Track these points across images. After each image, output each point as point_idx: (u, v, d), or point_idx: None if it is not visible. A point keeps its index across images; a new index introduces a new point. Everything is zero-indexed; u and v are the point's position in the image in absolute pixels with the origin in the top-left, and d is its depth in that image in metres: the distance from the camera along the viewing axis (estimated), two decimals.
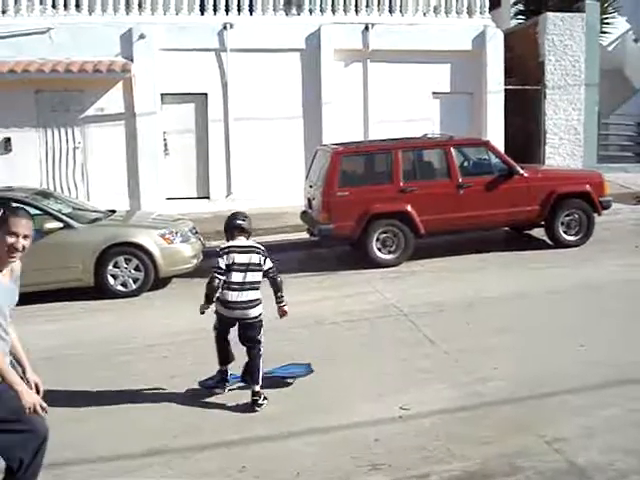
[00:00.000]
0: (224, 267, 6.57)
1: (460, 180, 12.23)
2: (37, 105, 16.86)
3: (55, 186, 16.86)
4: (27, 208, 11.03)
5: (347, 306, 9.77)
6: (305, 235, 13.45)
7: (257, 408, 6.57)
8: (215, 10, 17.79)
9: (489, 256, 12.26)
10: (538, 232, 13.23)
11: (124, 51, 17.08)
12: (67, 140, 17.12)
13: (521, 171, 12.45)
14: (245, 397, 6.72)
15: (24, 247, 4.24)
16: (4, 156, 16.90)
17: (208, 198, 17.84)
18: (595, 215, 12.67)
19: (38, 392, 4.58)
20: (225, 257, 6.59)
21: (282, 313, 6.95)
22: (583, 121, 19.69)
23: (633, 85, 22.70)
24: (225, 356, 6.92)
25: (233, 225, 6.80)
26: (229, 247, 6.68)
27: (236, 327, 6.84)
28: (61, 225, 10.88)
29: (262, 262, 6.71)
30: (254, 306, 6.71)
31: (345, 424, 6.00)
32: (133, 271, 11.15)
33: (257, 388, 6.67)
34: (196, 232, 12.13)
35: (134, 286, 11.18)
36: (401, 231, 12.05)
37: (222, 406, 6.65)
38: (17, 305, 9.77)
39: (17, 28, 16.68)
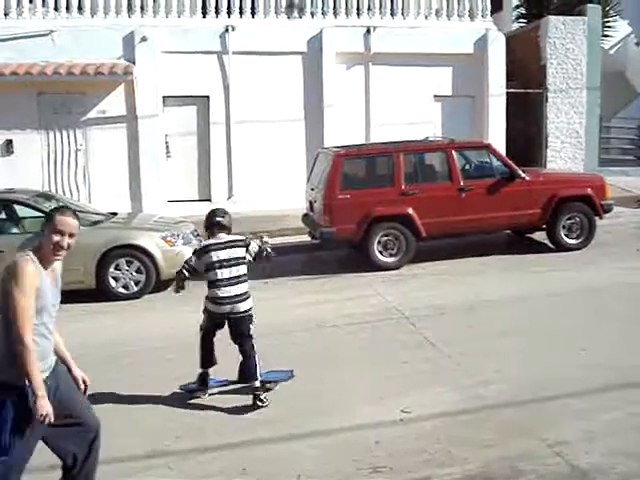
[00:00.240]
0: (194, 264, 6.71)
1: (461, 183, 12.22)
2: (39, 107, 16.88)
3: (57, 188, 16.87)
4: (29, 210, 11.19)
5: (348, 309, 9.78)
6: (306, 238, 13.45)
7: (260, 404, 6.59)
8: (217, 13, 17.81)
9: (490, 259, 12.26)
10: (540, 235, 13.23)
11: (126, 53, 17.10)
12: (69, 142, 17.13)
13: (523, 174, 12.44)
14: (246, 399, 6.72)
15: (69, 245, 4.29)
16: (6, 158, 16.91)
17: (210, 201, 17.83)
18: (596, 218, 12.67)
19: (86, 387, 4.71)
20: (203, 256, 6.68)
21: (267, 253, 6.95)
22: (585, 124, 19.69)
23: (635, 88, 22.70)
24: (208, 359, 6.95)
25: (212, 222, 6.84)
26: (207, 246, 6.76)
27: (223, 329, 6.91)
28: None
29: (244, 254, 6.77)
30: (243, 300, 6.75)
31: (346, 427, 6.00)
32: (135, 273, 11.17)
33: (257, 384, 6.70)
34: (198, 234, 12.12)
35: (135, 288, 11.19)
36: (402, 234, 12.06)
37: (224, 408, 6.65)
38: None
39: (19, 30, 16.70)
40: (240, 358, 6.89)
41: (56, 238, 4.22)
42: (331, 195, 11.93)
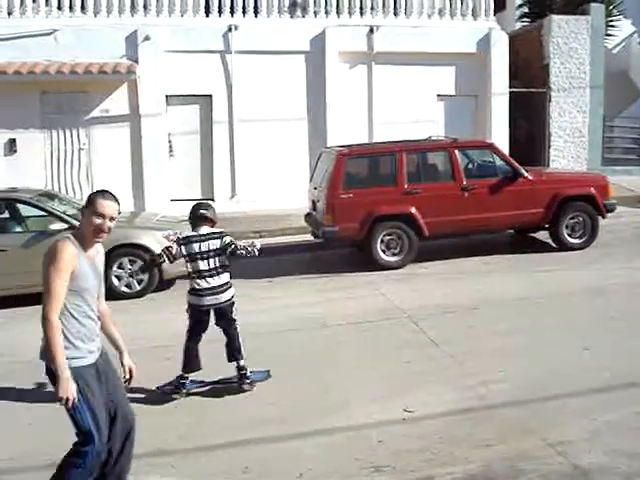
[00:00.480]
0: (175, 252, 6.83)
1: (464, 182, 12.22)
2: (42, 106, 16.90)
3: (60, 187, 16.90)
4: (32, 209, 11.20)
5: (351, 308, 9.78)
6: (309, 237, 13.45)
7: (247, 380, 6.90)
8: (220, 12, 17.82)
9: (493, 259, 12.26)
10: (543, 235, 13.22)
11: (129, 53, 17.12)
12: (72, 141, 17.16)
13: (525, 174, 12.43)
14: (249, 400, 6.73)
15: (109, 229, 4.37)
16: (9, 157, 16.94)
17: (212, 200, 17.82)
18: (599, 218, 12.65)
19: (132, 377, 4.78)
20: (185, 247, 6.84)
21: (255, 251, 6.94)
22: (588, 124, 19.70)
23: (638, 88, 22.70)
24: (192, 364, 7.00)
25: (197, 215, 6.99)
26: (187, 237, 6.91)
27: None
28: (66, 226, 10.86)
29: (221, 245, 6.89)
30: (225, 290, 6.95)
31: (348, 426, 6.01)
32: (138, 272, 11.17)
33: (242, 362, 6.97)
34: None
35: (138, 287, 11.20)
36: (405, 233, 12.05)
37: (226, 407, 6.66)
38: (20, 305, 9.84)
39: (23, 29, 16.73)
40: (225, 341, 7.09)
41: (98, 221, 4.29)
42: (334, 194, 11.93)
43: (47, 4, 17.26)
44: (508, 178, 12.36)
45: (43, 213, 11.13)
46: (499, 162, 12.61)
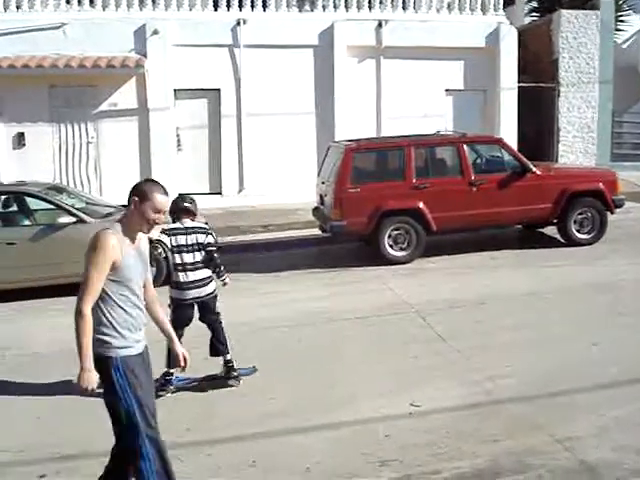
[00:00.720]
0: (170, 245, 6.91)
1: (473, 177, 12.19)
2: (51, 100, 16.93)
3: (68, 181, 16.94)
4: (40, 202, 11.23)
5: (358, 303, 9.77)
6: (317, 231, 13.44)
7: (234, 373, 6.95)
8: (228, 6, 17.81)
9: (501, 254, 12.23)
10: (551, 230, 13.18)
11: (137, 46, 17.13)
12: (80, 135, 17.19)
13: (534, 169, 12.40)
14: (257, 394, 6.74)
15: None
16: (17, 151, 16.98)
17: (220, 194, 17.88)
18: (608, 213, 12.61)
19: (186, 363, 4.79)
20: (171, 238, 6.92)
21: (224, 284, 7.19)
22: (597, 119, 19.62)
23: None
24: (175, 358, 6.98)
25: (179, 208, 7.04)
26: (173, 229, 6.96)
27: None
28: (74, 220, 10.90)
29: (205, 241, 7.01)
30: (207, 283, 7.02)
31: (355, 420, 6.01)
32: None
33: (229, 357, 7.04)
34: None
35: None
36: (413, 228, 12.03)
37: (233, 401, 6.67)
38: (29, 298, 9.88)
39: (31, 23, 16.74)
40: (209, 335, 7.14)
41: (154, 216, 4.31)
42: (342, 188, 11.91)
43: None
44: (516, 173, 12.33)
45: (51, 206, 11.16)
46: (507, 157, 12.58)
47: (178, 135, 17.75)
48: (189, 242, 6.92)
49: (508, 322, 8.49)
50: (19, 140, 16.94)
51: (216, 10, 17.85)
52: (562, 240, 12.68)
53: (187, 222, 7.00)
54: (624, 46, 22.84)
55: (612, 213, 12.68)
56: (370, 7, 18.39)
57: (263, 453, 5.53)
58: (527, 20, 23.05)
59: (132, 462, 4.36)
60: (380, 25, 17.96)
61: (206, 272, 7.01)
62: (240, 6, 17.83)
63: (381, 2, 18.38)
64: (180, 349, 4.79)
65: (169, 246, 6.92)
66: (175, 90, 17.45)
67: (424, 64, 18.11)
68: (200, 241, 6.96)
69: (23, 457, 5.76)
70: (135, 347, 4.35)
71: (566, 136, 19.56)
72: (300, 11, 18.19)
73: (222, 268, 7.15)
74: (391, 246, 12.05)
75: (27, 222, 11.54)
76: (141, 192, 4.35)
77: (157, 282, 11.35)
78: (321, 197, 12.93)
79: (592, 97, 19.57)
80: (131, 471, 4.48)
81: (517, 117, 18.53)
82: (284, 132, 17.70)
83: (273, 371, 7.30)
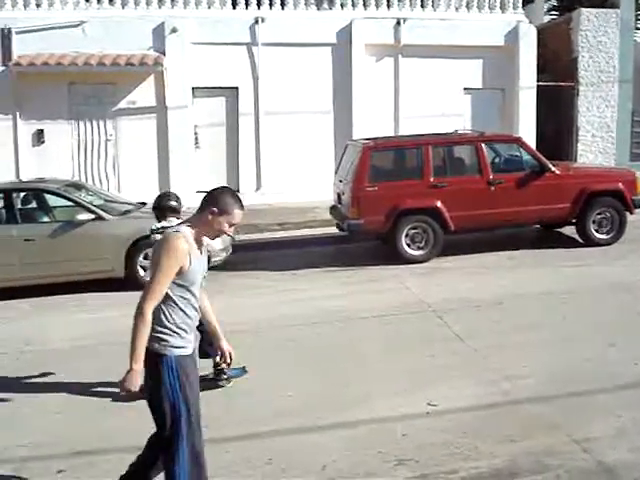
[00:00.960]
0: None
1: (491, 176, 12.15)
2: (70, 97, 17.03)
3: (87, 178, 17.02)
4: (59, 199, 11.31)
5: (375, 301, 9.76)
6: (334, 230, 13.45)
7: (224, 376, 6.89)
8: (247, 4, 17.85)
9: (519, 253, 12.18)
10: (569, 230, 13.11)
11: (156, 44, 17.20)
12: (99, 132, 17.28)
13: (553, 168, 12.34)
14: (272, 391, 6.75)
15: None
16: (37, 148, 17.09)
17: (238, 191, 17.81)
18: (627, 214, 12.52)
19: (231, 360, 4.85)
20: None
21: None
22: (616, 118, 19.50)
23: None
24: None
25: (165, 206, 6.99)
26: (163, 227, 6.88)
27: None
28: (93, 217, 10.97)
29: None
30: None
31: (372, 418, 6.00)
32: None
33: (218, 358, 6.84)
34: None
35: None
36: (431, 227, 12.00)
37: (248, 399, 6.67)
38: (48, 295, 9.91)
39: (51, 21, 16.84)
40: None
41: (227, 228, 4.33)
42: (359, 187, 11.91)
43: None
44: (535, 172, 12.27)
45: (70, 203, 11.23)
46: (526, 156, 12.52)
47: (196, 133, 17.79)
48: None
49: (525, 322, 8.45)
50: (38, 137, 17.05)
51: (234, 8, 17.89)
52: (580, 240, 12.62)
53: (174, 221, 6.89)
54: None
55: (631, 213, 12.59)
56: (388, 5, 18.35)
57: (279, 451, 5.53)
58: (546, 18, 22.97)
59: (165, 463, 4.37)
60: (398, 23, 17.94)
61: None
62: (258, 4, 17.86)
63: (399, 0, 18.34)
64: (227, 347, 4.82)
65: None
66: (193, 88, 17.49)
67: (442, 62, 18.07)
68: None
69: (41, 452, 5.79)
70: (188, 348, 4.36)
71: (585, 135, 19.45)
72: (318, 9, 18.19)
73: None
74: (408, 245, 12.03)
75: (46, 219, 11.62)
76: (222, 205, 4.31)
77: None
78: (338, 195, 12.92)
79: (611, 96, 19.45)
80: (155, 470, 4.53)
81: (536, 116, 18.44)
82: (302, 130, 17.71)
83: (290, 369, 7.31)
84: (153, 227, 6.90)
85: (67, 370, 7.52)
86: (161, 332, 4.25)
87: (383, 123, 17.65)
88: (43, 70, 16.39)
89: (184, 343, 4.32)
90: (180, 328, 4.29)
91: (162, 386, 4.25)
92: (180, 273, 4.19)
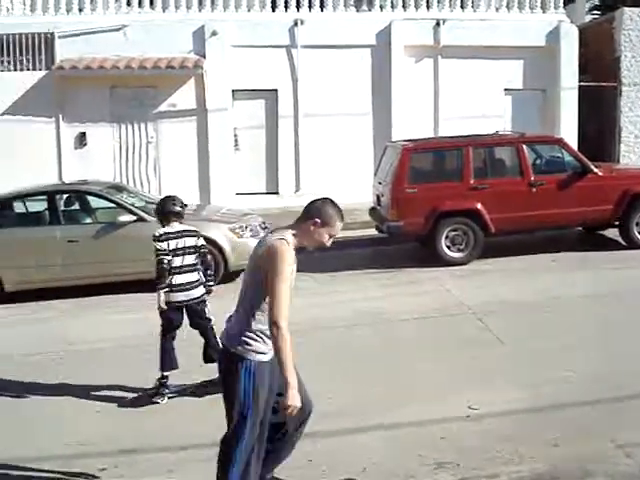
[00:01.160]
0: (167, 249, 6.83)
1: (532, 178, 12.03)
2: (111, 100, 17.23)
3: (128, 180, 17.21)
4: (101, 201, 11.45)
5: (415, 304, 9.73)
6: (373, 232, 13.42)
7: None
8: (286, 6, 17.90)
9: (560, 256, 12.05)
10: (612, 232, 12.94)
11: (196, 47, 17.34)
12: (140, 135, 17.46)
13: (595, 169, 12.19)
14: (312, 393, 6.74)
15: None
16: (79, 150, 17.33)
17: (277, 194, 17.97)
18: None
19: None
20: (165, 243, 6.84)
21: (209, 291, 7.24)
22: None
23: None
24: (169, 362, 7.01)
25: (169, 211, 7.01)
26: (166, 233, 6.90)
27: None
28: (134, 218, 11.07)
29: (196, 243, 7.03)
30: (196, 286, 7.01)
31: (412, 421, 5.97)
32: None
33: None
34: (265, 227, 12.18)
35: (204, 279, 11.28)
36: (471, 229, 11.92)
37: None
38: (84, 296, 9.98)
39: (93, 25, 17.06)
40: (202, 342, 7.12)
41: (327, 239, 4.46)
42: (399, 189, 11.88)
43: (116, 0, 17.57)
44: (577, 174, 12.14)
45: (112, 205, 11.35)
46: (568, 157, 12.39)
47: (236, 135, 17.89)
48: (179, 246, 6.90)
49: (567, 324, 8.36)
50: (81, 140, 17.29)
51: (274, 11, 17.96)
52: (623, 243, 12.44)
53: (176, 226, 6.96)
54: None
55: None
56: (428, 6, 18.29)
57: (319, 452, 5.53)
58: (588, 18, 22.68)
59: (221, 459, 4.43)
60: (438, 24, 17.86)
61: (193, 275, 7.00)
62: (298, 6, 17.91)
63: (439, 1, 18.26)
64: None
65: (166, 250, 6.82)
66: (233, 91, 17.60)
67: (482, 63, 17.94)
68: (190, 244, 6.96)
69: (84, 450, 5.87)
70: (269, 354, 4.38)
71: (628, 136, 19.18)
72: (357, 11, 18.19)
73: (213, 271, 7.21)
74: (448, 247, 11.97)
75: (89, 220, 11.77)
76: (325, 216, 4.42)
77: (215, 281, 11.50)
78: (378, 197, 12.90)
79: None
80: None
81: (577, 117, 18.22)
82: (341, 132, 17.70)
83: (330, 371, 7.29)
84: (156, 233, 6.91)
85: (109, 370, 7.61)
86: (247, 336, 4.32)
87: (422, 124, 17.57)
88: (85, 74, 16.62)
89: (267, 349, 4.35)
90: (265, 334, 4.32)
91: (238, 387, 4.31)
92: None
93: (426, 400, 6.45)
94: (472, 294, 10.02)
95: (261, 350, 4.33)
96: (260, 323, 4.31)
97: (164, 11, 17.64)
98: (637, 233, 12.26)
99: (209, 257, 7.26)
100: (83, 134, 17.27)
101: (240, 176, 17.71)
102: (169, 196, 7.31)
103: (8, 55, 17.16)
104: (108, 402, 6.90)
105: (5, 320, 10.32)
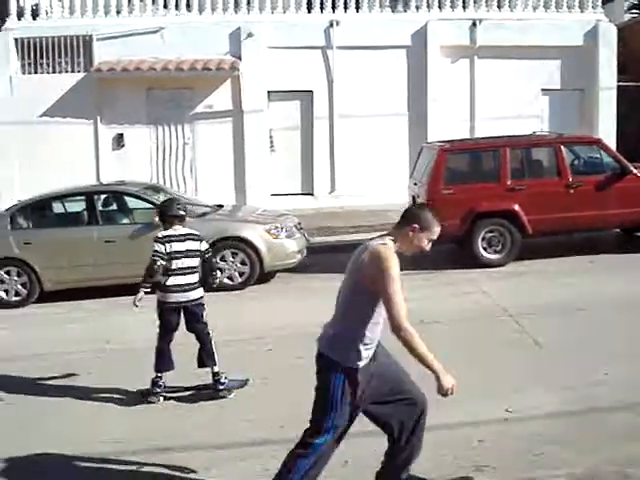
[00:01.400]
0: (164, 252, 6.85)
1: (570, 179, 11.91)
2: (148, 102, 17.39)
3: (165, 180, 17.36)
4: (138, 202, 11.55)
5: (452, 305, 9.69)
6: None
7: (220, 386, 6.91)
8: (322, 8, 17.92)
9: (598, 258, 11.90)
10: None
11: (232, 49, 17.43)
12: (177, 136, 17.60)
13: (634, 170, 12.03)
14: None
15: None
16: (117, 151, 17.50)
17: (312, 195, 17.99)
18: None
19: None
20: (166, 245, 6.87)
21: (210, 288, 7.30)
22: None
23: None
24: (165, 363, 7.03)
25: (172, 214, 7.05)
26: (168, 236, 6.94)
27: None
28: None
29: (199, 247, 7.06)
30: (194, 289, 7.03)
31: (449, 424, 5.92)
32: (239, 265, 11.34)
33: (216, 369, 6.97)
34: (301, 228, 12.22)
35: (240, 280, 11.36)
36: (508, 230, 11.82)
37: None
38: (119, 295, 10.05)
39: (130, 28, 17.23)
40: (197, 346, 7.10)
41: (425, 244, 4.57)
42: (435, 190, 11.82)
43: (154, 3, 17.76)
44: (616, 175, 11.99)
45: (149, 205, 11.43)
46: (606, 158, 12.24)
47: (271, 136, 17.94)
48: (182, 249, 6.93)
49: (605, 327, 8.25)
50: (118, 141, 17.46)
51: (309, 12, 17.98)
52: None
53: (179, 228, 7.00)
54: None
55: None
56: (464, 6, 18.19)
57: (355, 453, 5.51)
58: (627, 17, 22.40)
59: (289, 457, 4.54)
60: (474, 24, 17.76)
61: (193, 277, 7.03)
62: (333, 7, 17.92)
63: (475, 1, 18.16)
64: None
65: (163, 253, 6.84)
66: (269, 92, 17.65)
67: (519, 63, 17.80)
68: (193, 248, 7.00)
69: (120, 448, 5.93)
70: (364, 360, 4.43)
71: None
72: (393, 11, 18.16)
73: (217, 273, 7.30)
74: (485, 249, 11.88)
75: (126, 220, 11.88)
76: (425, 222, 4.51)
77: (250, 281, 11.54)
78: (413, 198, 12.85)
79: None
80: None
81: (616, 117, 18.00)
82: (376, 133, 17.68)
83: None
84: (159, 235, 6.95)
85: (143, 368, 7.66)
86: (343, 341, 4.36)
87: (459, 125, 17.49)
88: (122, 76, 16.78)
89: (360, 356, 4.39)
90: (363, 341, 4.38)
91: (326, 391, 4.38)
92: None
93: (462, 402, 6.35)
94: (509, 296, 9.93)
95: (354, 357, 4.36)
96: (361, 329, 4.35)
97: (200, 13, 17.75)
98: None
99: (214, 260, 7.25)
100: (121, 135, 17.45)
101: (275, 177, 17.76)
102: (171, 199, 7.43)
103: (47, 58, 17.40)
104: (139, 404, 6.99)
105: (47, 318, 10.56)
